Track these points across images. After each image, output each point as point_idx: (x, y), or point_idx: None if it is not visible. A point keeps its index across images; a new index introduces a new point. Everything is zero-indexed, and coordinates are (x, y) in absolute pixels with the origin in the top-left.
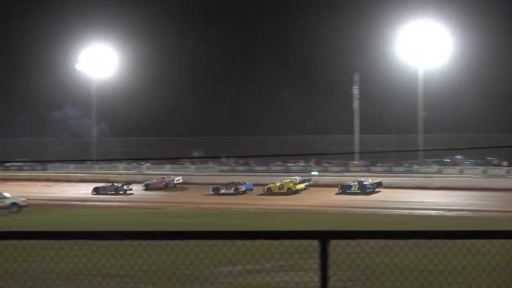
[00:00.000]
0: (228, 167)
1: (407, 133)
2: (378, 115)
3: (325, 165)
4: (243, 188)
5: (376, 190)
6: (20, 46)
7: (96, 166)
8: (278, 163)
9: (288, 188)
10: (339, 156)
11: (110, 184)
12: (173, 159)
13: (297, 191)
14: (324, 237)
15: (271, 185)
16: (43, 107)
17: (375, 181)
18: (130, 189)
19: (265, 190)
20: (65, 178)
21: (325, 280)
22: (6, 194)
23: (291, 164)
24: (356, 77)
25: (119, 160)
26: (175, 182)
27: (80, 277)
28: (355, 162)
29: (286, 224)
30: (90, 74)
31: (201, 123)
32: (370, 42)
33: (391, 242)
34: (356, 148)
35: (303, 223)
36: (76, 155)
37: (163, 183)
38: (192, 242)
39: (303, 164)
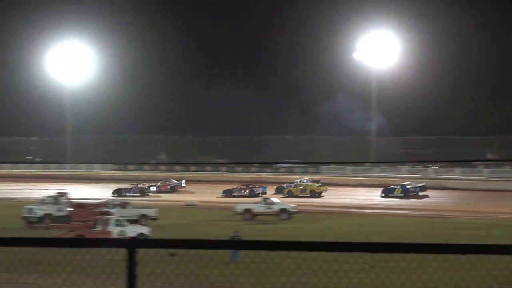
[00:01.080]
0: None
1: None
2: None
3: None
4: (259, 190)
5: (420, 194)
6: (289, 34)
7: (376, 168)
8: None
9: (311, 191)
10: None
11: (134, 185)
12: (463, 161)
13: (320, 194)
14: None
15: (292, 188)
16: (314, 101)
17: (418, 185)
18: (154, 191)
19: (286, 193)
20: (340, 182)
21: None
22: (275, 200)
23: None
24: None
25: (402, 162)
26: (182, 185)
27: None
28: None
29: None
30: (369, 64)
31: (495, 121)
32: None
33: None
34: None
35: None
36: (352, 155)
37: (168, 186)
38: (483, 257)
39: None
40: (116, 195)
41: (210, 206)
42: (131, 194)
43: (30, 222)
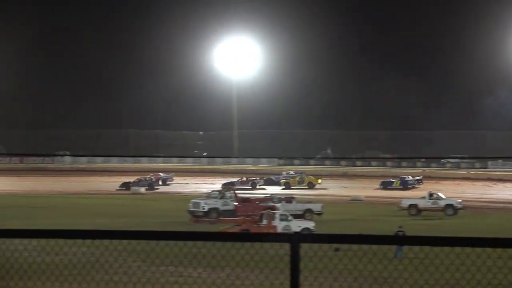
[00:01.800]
0: None
1: None
2: None
3: None
4: (261, 182)
5: (417, 186)
6: (455, 26)
7: None
8: None
9: (309, 182)
10: None
11: (143, 178)
12: None
13: (314, 185)
14: None
15: (290, 180)
16: (479, 95)
17: (416, 178)
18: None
19: (284, 185)
20: (508, 178)
21: None
22: (441, 195)
23: None
24: None
25: None
26: (171, 178)
27: None
28: None
29: None
30: None
31: None
32: None
33: None
34: None
35: None
36: None
37: (160, 180)
38: None
39: None
40: (124, 188)
41: (375, 201)
42: (134, 187)
43: (196, 216)
